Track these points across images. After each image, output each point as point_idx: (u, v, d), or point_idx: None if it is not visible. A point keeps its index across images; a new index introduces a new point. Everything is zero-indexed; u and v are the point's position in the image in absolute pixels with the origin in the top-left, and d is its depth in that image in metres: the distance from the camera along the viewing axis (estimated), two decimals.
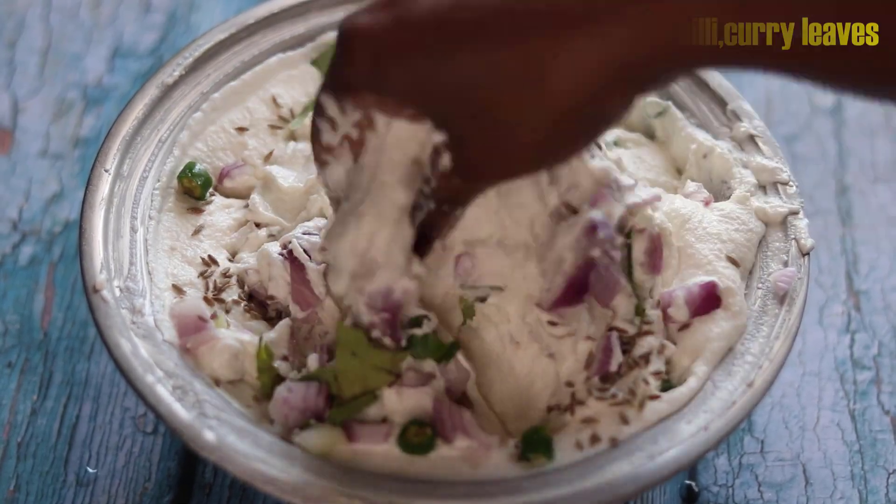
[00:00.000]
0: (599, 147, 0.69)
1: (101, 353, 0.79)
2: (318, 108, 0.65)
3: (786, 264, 0.72)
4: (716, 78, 0.78)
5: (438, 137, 0.62)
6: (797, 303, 0.71)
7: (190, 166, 0.74)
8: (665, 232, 0.71)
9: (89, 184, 0.72)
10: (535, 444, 0.66)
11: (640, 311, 0.69)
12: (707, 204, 0.73)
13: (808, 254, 0.72)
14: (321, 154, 0.66)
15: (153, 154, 0.75)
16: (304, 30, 0.79)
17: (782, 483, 0.75)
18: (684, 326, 0.69)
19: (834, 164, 0.87)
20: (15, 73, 0.91)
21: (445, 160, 0.63)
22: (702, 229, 0.72)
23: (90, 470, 0.75)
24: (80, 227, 0.71)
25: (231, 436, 0.65)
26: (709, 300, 0.70)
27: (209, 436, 0.65)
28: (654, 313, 0.69)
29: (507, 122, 0.60)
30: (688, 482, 0.75)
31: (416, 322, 0.67)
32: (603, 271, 0.67)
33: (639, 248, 0.69)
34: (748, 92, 0.88)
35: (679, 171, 0.77)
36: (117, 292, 0.69)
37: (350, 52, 0.62)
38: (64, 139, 0.88)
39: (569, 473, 0.66)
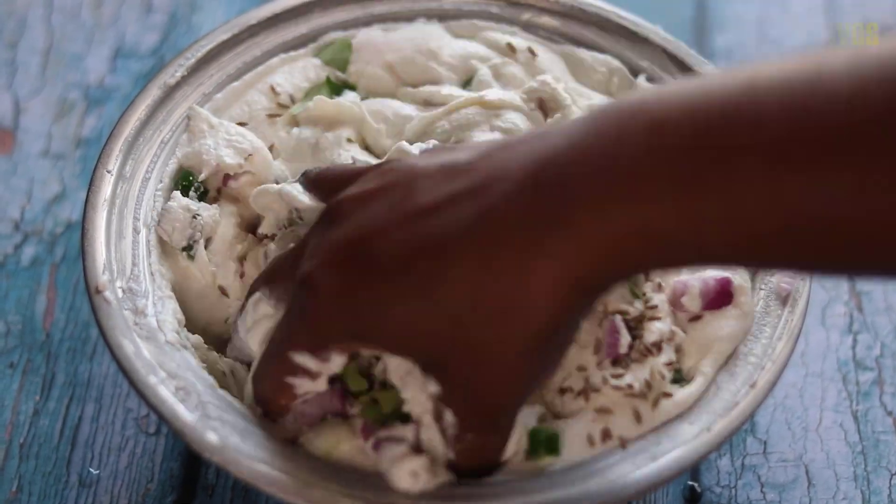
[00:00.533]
0: None
1: (103, 354, 0.78)
2: (288, 367, 0.65)
3: None
4: None
5: (433, 388, 0.62)
6: (800, 304, 0.71)
7: (185, 175, 0.74)
8: None
9: (91, 185, 0.72)
10: (541, 444, 0.66)
11: (635, 293, 0.69)
12: None
13: None
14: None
15: (155, 155, 0.74)
16: (306, 30, 0.79)
17: (785, 484, 0.75)
18: (695, 318, 0.69)
19: None
20: (16, 73, 0.91)
21: (448, 416, 0.62)
22: None
23: (93, 471, 0.75)
24: (82, 227, 0.71)
25: (234, 437, 0.65)
26: (722, 295, 0.70)
27: (212, 437, 0.65)
28: (658, 297, 0.69)
29: (488, 353, 0.61)
30: (690, 483, 0.75)
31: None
32: None
33: None
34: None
35: None
36: (120, 293, 0.69)
37: (322, 310, 0.63)
38: (66, 139, 0.88)
39: (572, 474, 0.66)
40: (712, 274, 0.70)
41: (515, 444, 0.65)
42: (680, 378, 0.68)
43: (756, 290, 0.71)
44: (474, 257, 0.59)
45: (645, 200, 0.56)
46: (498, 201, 0.59)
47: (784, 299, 0.71)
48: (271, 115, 0.76)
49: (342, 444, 0.66)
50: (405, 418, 0.65)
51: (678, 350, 0.69)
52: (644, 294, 0.69)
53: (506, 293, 0.59)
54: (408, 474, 0.64)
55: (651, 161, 0.56)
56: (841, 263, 0.57)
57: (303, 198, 0.69)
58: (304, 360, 0.64)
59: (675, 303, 0.70)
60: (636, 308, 0.69)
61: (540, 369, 0.63)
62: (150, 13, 0.94)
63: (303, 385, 0.65)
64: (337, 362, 0.64)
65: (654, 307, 0.69)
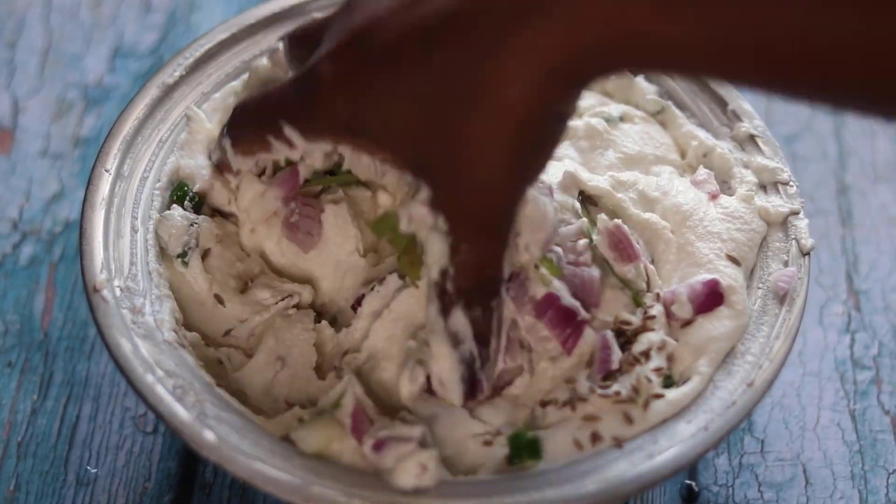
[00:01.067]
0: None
1: (101, 353, 0.79)
2: (275, 131, 0.67)
3: (786, 264, 0.72)
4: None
5: (425, 193, 0.62)
6: (797, 303, 0.71)
7: (181, 186, 0.74)
8: (654, 227, 0.72)
9: (90, 184, 0.72)
10: (521, 449, 0.66)
11: (638, 301, 0.69)
12: (714, 198, 0.73)
13: (808, 254, 0.72)
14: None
15: (154, 154, 0.74)
16: None
17: (782, 483, 0.75)
18: (687, 323, 0.70)
19: (834, 163, 0.87)
20: (15, 72, 0.91)
21: (442, 223, 0.63)
22: (702, 228, 0.72)
23: (90, 469, 0.75)
24: (80, 226, 0.71)
25: (231, 435, 0.65)
26: (711, 297, 0.70)
27: (209, 435, 0.65)
28: (657, 308, 0.69)
29: (472, 146, 0.60)
30: (688, 482, 0.75)
31: None
32: (573, 277, 0.68)
33: (603, 246, 0.70)
34: (748, 92, 0.88)
35: (683, 155, 0.77)
36: (118, 292, 0.69)
37: (323, 98, 0.64)
38: (64, 139, 0.88)
39: (568, 473, 0.66)
40: (699, 278, 0.70)
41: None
42: (671, 384, 0.68)
43: (753, 288, 0.71)
44: (454, 43, 0.60)
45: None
46: None
47: (782, 298, 0.71)
48: None
49: (334, 443, 0.66)
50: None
51: (670, 358, 0.69)
52: (642, 302, 0.70)
53: (483, 79, 0.59)
54: (416, 467, 0.64)
55: None
56: (807, 84, 0.57)
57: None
58: (292, 134, 0.66)
59: (669, 312, 0.70)
60: (637, 318, 0.69)
61: (526, 163, 0.62)
62: (149, 13, 0.94)
63: (281, 149, 0.67)
64: (318, 153, 0.66)
65: (652, 318, 0.69)
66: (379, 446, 0.65)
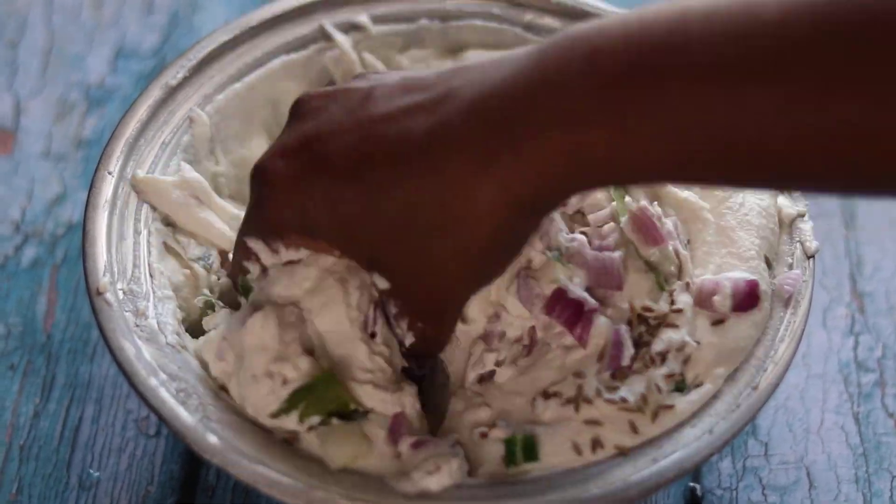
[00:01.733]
0: None
1: (103, 356, 0.78)
2: (244, 251, 0.68)
3: (791, 267, 0.72)
4: None
5: (382, 284, 0.66)
6: (802, 306, 0.70)
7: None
8: (692, 206, 0.71)
9: (92, 186, 0.72)
10: (517, 451, 0.66)
11: (661, 286, 0.69)
12: None
13: (812, 256, 0.72)
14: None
15: (157, 156, 0.74)
16: (307, 31, 0.79)
17: (786, 486, 0.75)
18: (718, 322, 0.69)
19: None
20: (17, 73, 0.91)
21: (393, 309, 0.66)
22: (742, 215, 0.71)
23: (93, 473, 0.75)
24: (83, 229, 0.71)
25: (234, 439, 0.65)
26: (751, 297, 0.69)
27: (212, 439, 0.65)
28: (684, 299, 0.69)
29: (432, 261, 0.64)
30: (692, 485, 0.75)
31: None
32: (595, 261, 0.69)
33: (628, 229, 0.70)
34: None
35: None
36: (120, 295, 0.69)
37: (274, 199, 0.65)
38: (66, 140, 0.88)
39: (571, 477, 0.65)
40: (741, 275, 0.70)
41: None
42: (683, 387, 0.68)
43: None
44: (422, 170, 0.62)
45: (580, 125, 0.59)
46: (450, 118, 0.61)
47: (786, 301, 0.71)
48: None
49: (360, 459, 0.66)
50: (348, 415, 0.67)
51: (686, 360, 0.68)
52: (672, 291, 0.69)
53: (450, 207, 0.62)
54: (446, 473, 0.65)
55: (586, 87, 0.58)
56: (768, 180, 0.60)
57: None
58: (256, 246, 0.67)
59: (705, 302, 0.69)
60: (661, 307, 0.68)
61: (482, 275, 0.66)
62: (151, 14, 0.94)
63: (253, 268, 0.68)
64: (285, 255, 0.67)
65: (679, 311, 0.68)
66: (418, 445, 0.65)
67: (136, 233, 0.72)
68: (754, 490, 0.74)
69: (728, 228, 0.71)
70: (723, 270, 0.70)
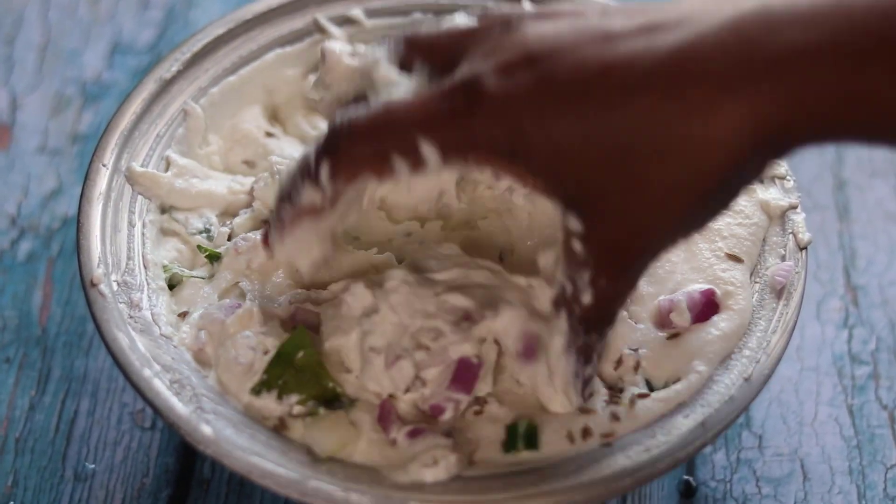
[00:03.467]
0: None
1: (99, 349, 0.79)
2: (404, 146, 0.60)
3: (783, 258, 0.72)
4: None
5: (575, 225, 0.60)
6: (794, 297, 0.71)
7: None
8: None
9: (87, 178, 0.72)
10: (518, 439, 0.66)
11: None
12: None
13: (805, 248, 0.72)
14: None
15: (151, 149, 0.75)
16: (302, 25, 0.79)
17: (780, 478, 0.75)
18: (675, 335, 0.69)
19: (831, 158, 0.87)
20: (13, 69, 0.91)
21: (578, 249, 0.60)
22: None
23: (88, 465, 0.75)
24: (77, 221, 0.71)
25: (228, 430, 0.65)
26: (709, 307, 0.70)
27: (206, 430, 0.65)
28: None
29: (650, 195, 0.58)
30: (685, 477, 0.75)
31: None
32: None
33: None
34: None
35: None
36: (115, 286, 0.69)
37: (485, 115, 0.59)
38: (62, 135, 0.88)
39: (564, 467, 0.66)
40: (696, 287, 0.70)
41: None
42: (651, 388, 0.69)
43: (751, 283, 0.71)
44: (662, 89, 0.57)
45: (854, 61, 0.55)
46: (702, 37, 0.57)
47: (779, 293, 0.71)
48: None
49: (348, 446, 0.66)
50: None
51: (636, 366, 0.69)
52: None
53: (688, 132, 0.57)
54: (443, 467, 0.65)
55: (864, 25, 0.55)
56: None
57: (392, 73, 0.63)
58: (429, 151, 0.60)
59: (665, 321, 0.70)
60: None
61: (695, 221, 0.61)
62: (147, 9, 0.94)
63: (402, 173, 0.60)
64: (450, 177, 0.62)
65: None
66: (415, 434, 0.66)
67: (131, 225, 0.72)
68: (748, 482, 0.75)
69: (691, 242, 0.72)
70: (681, 286, 0.70)
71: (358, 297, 0.67)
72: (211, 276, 0.71)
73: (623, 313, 0.70)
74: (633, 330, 0.70)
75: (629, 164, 0.58)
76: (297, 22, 0.79)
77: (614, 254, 0.60)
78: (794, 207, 0.73)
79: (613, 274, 0.61)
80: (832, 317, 0.81)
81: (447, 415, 0.66)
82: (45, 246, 0.83)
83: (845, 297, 0.81)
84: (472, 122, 0.59)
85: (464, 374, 0.66)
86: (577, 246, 0.60)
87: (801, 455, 0.76)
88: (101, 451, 0.75)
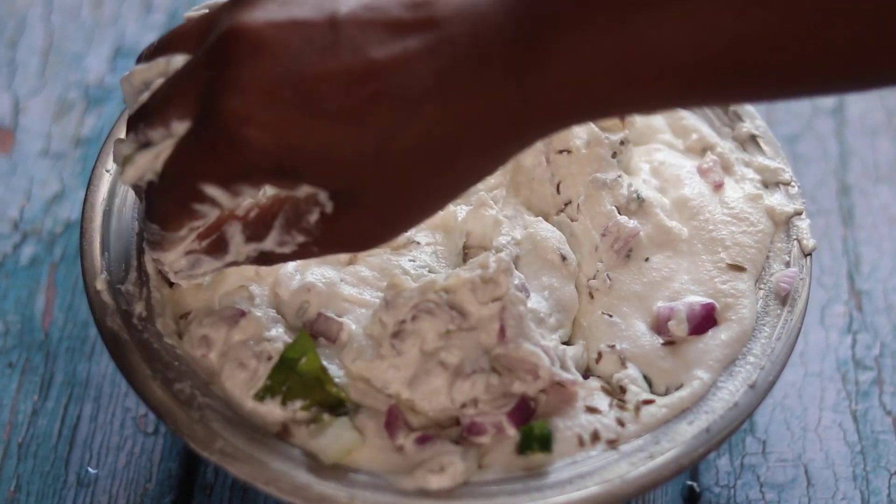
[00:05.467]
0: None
1: (101, 354, 0.78)
2: (195, 195, 0.63)
3: (788, 265, 0.72)
4: None
5: (327, 206, 0.63)
6: (799, 303, 0.70)
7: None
8: (673, 236, 0.72)
9: (90, 184, 0.72)
10: (533, 440, 0.66)
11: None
12: (718, 188, 0.73)
13: (810, 254, 0.72)
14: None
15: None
16: None
17: (784, 484, 0.75)
18: (671, 343, 0.70)
19: (836, 163, 0.87)
20: (16, 72, 0.91)
21: (314, 216, 0.63)
22: (707, 233, 0.72)
23: (91, 470, 0.75)
24: (81, 226, 0.71)
25: (231, 436, 0.65)
26: (707, 320, 0.70)
27: (210, 436, 0.65)
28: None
29: (417, 190, 0.62)
30: (689, 483, 0.75)
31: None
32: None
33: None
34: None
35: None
36: (118, 291, 0.69)
37: (251, 145, 0.61)
38: (65, 139, 0.88)
39: (569, 472, 0.66)
40: (697, 300, 0.70)
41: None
42: (651, 385, 0.69)
43: (755, 290, 0.71)
44: (436, 114, 0.60)
45: (591, 28, 0.58)
46: (456, 61, 0.60)
47: (783, 299, 0.71)
48: None
49: (353, 452, 0.66)
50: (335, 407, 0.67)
51: (647, 378, 0.70)
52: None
53: (463, 142, 0.60)
54: (449, 476, 0.65)
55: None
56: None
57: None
58: (214, 192, 0.63)
59: (662, 328, 0.70)
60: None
61: (447, 200, 0.64)
62: (150, 12, 0.94)
63: (209, 211, 0.64)
64: (247, 197, 0.64)
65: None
66: (423, 441, 0.66)
67: (134, 231, 0.72)
68: (752, 488, 0.74)
69: (692, 254, 0.72)
70: (680, 295, 0.70)
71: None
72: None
73: (597, 312, 0.71)
74: (610, 326, 0.70)
75: (402, 171, 0.61)
76: None
77: (345, 239, 0.64)
78: (798, 213, 0.73)
79: (327, 250, 0.65)
80: (836, 322, 0.81)
81: (485, 438, 0.66)
82: (48, 250, 0.83)
83: (849, 303, 0.81)
84: (239, 155, 0.61)
85: (522, 410, 0.67)
86: (312, 218, 0.63)
87: (805, 461, 0.75)
88: (104, 456, 0.75)
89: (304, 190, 0.63)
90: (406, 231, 0.65)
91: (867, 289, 0.82)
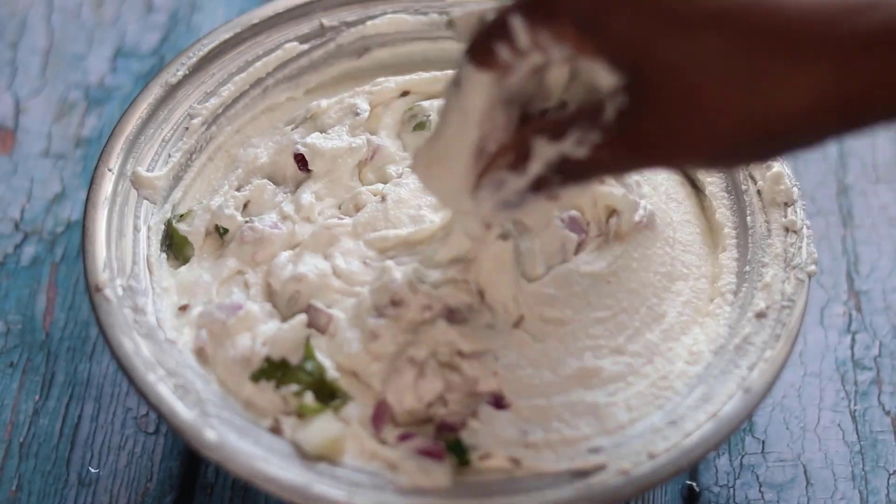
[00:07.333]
0: None
1: (102, 354, 0.79)
2: (497, 28, 0.61)
3: (785, 269, 0.72)
4: None
5: (621, 100, 0.60)
6: (798, 303, 0.71)
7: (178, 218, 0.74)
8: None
9: (93, 183, 0.72)
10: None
11: None
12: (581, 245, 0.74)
13: (809, 278, 0.72)
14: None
15: (157, 153, 0.75)
16: (308, 30, 0.79)
17: (783, 483, 0.75)
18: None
19: (835, 164, 0.88)
20: (17, 73, 0.91)
21: (611, 109, 0.60)
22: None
23: (92, 470, 0.75)
24: (83, 225, 0.71)
25: (232, 434, 0.65)
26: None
27: (210, 435, 0.65)
28: None
29: (717, 112, 0.59)
30: (689, 482, 0.75)
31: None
32: None
33: None
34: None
35: (695, 184, 0.77)
36: (120, 291, 0.69)
37: None
38: (66, 139, 0.88)
39: (567, 472, 0.66)
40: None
41: None
42: None
43: (751, 289, 0.71)
44: (761, 39, 0.58)
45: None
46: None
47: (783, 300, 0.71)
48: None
49: (337, 444, 0.66)
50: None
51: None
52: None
53: (766, 83, 0.58)
54: (427, 475, 0.65)
55: None
56: None
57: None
58: (518, 27, 0.61)
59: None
60: None
61: (728, 160, 0.63)
62: (151, 13, 0.94)
63: (505, 54, 0.62)
64: (536, 57, 0.62)
65: None
66: (405, 438, 0.66)
67: (136, 230, 0.72)
68: (751, 487, 0.75)
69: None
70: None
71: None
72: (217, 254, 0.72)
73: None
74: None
75: (692, 83, 0.58)
76: (304, 27, 0.79)
77: (638, 142, 0.61)
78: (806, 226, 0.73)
79: (622, 155, 0.61)
80: (835, 322, 0.81)
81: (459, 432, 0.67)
82: (49, 250, 0.83)
83: (848, 303, 0.81)
84: None
85: (495, 405, 0.67)
86: (611, 113, 0.60)
87: (804, 460, 0.76)
88: (105, 455, 0.75)
89: (599, 71, 0.60)
90: (684, 160, 0.63)
91: (866, 289, 0.82)
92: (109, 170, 0.73)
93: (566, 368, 0.68)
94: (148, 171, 0.74)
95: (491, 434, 0.67)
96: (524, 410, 0.67)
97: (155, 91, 0.76)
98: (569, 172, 0.62)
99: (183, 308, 0.70)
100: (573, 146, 0.61)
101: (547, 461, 0.66)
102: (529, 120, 0.64)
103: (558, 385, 0.68)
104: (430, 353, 0.67)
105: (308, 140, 0.75)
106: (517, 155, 0.63)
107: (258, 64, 0.78)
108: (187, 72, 0.77)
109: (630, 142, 0.61)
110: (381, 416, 0.66)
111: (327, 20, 0.79)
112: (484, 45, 0.62)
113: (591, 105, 0.61)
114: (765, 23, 0.58)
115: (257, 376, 0.67)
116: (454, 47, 0.80)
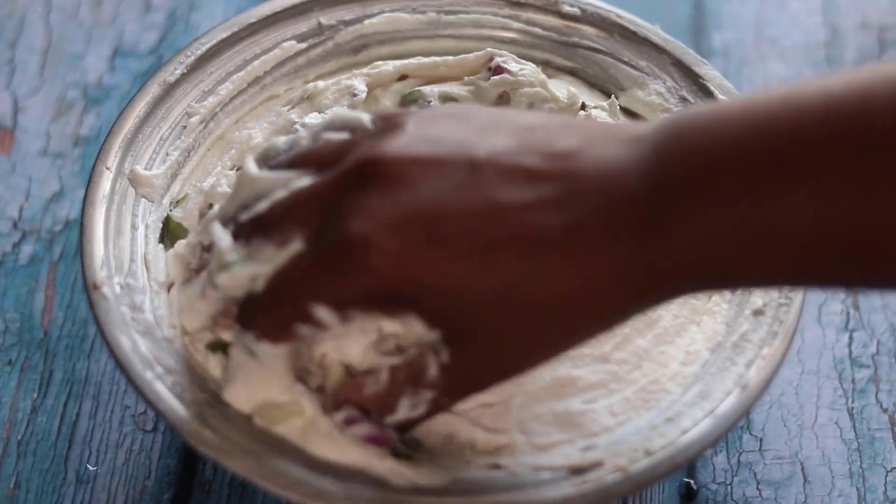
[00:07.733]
0: None
1: (101, 352, 0.79)
2: (301, 315, 0.63)
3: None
4: (715, 79, 0.78)
5: (444, 357, 0.63)
6: (795, 301, 0.71)
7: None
8: None
9: (90, 181, 0.72)
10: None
11: None
12: None
13: None
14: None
15: (154, 152, 0.75)
16: (306, 28, 0.79)
17: (781, 481, 0.75)
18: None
19: None
20: (15, 72, 0.91)
21: (434, 367, 0.63)
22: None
23: (90, 467, 0.75)
24: (80, 223, 0.71)
25: (230, 432, 0.65)
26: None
27: (207, 433, 0.65)
28: None
29: (535, 338, 0.62)
30: (686, 480, 0.75)
31: None
32: None
33: None
34: (748, 91, 0.88)
35: None
36: (117, 289, 0.69)
37: (376, 272, 0.61)
38: (64, 138, 0.88)
39: (563, 469, 0.66)
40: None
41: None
42: None
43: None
44: (561, 266, 0.60)
45: (725, 206, 0.58)
46: (586, 217, 0.60)
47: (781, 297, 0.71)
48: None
49: (281, 415, 0.66)
50: None
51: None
52: None
53: (584, 297, 0.60)
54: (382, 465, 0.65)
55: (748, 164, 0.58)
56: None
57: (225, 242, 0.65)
58: (324, 314, 0.63)
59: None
60: None
61: (557, 355, 0.64)
62: (149, 12, 0.94)
63: (310, 334, 0.64)
64: (357, 323, 0.63)
65: None
66: (350, 423, 0.66)
67: (134, 228, 0.72)
68: (749, 485, 0.75)
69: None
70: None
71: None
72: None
73: None
74: None
75: (524, 313, 0.61)
76: (302, 26, 0.79)
77: (470, 385, 0.64)
78: None
79: (461, 393, 0.64)
80: (833, 320, 0.81)
81: (395, 416, 0.66)
82: (47, 249, 0.83)
83: (846, 301, 0.82)
84: (361, 280, 0.62)
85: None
86: (434, 370, 0.63)
87: (802, 458, 0.76)
88: (103, 453, 0.75)
89: (415, 330, 0.62)
90: (520, 375, 0.64)
91: None
92: (107, 168, 0.73)
93: (538, 382, 0.68)
94: (146, 169, 0.74)
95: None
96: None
97: (153, 90, 0.76)
98: (416, 422, 0.65)
99: (169, 287, 0.70)
100: (408, 411, 0.64)
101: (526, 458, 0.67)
102: (356, 388, 0.65)
103: (523, 398, 0.68)
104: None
105: (306, 119, 0.75)
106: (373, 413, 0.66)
107: (256, 63, 0.78)
108: (185, 70, 0.77)
109: (465, 381, 0.64)
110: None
111: (325, 19, 0.80)
112: (278, 323, 0.64)
113: (410, 371, 0.64)
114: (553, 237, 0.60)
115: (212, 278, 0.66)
116: (452, 46, 0.80)
